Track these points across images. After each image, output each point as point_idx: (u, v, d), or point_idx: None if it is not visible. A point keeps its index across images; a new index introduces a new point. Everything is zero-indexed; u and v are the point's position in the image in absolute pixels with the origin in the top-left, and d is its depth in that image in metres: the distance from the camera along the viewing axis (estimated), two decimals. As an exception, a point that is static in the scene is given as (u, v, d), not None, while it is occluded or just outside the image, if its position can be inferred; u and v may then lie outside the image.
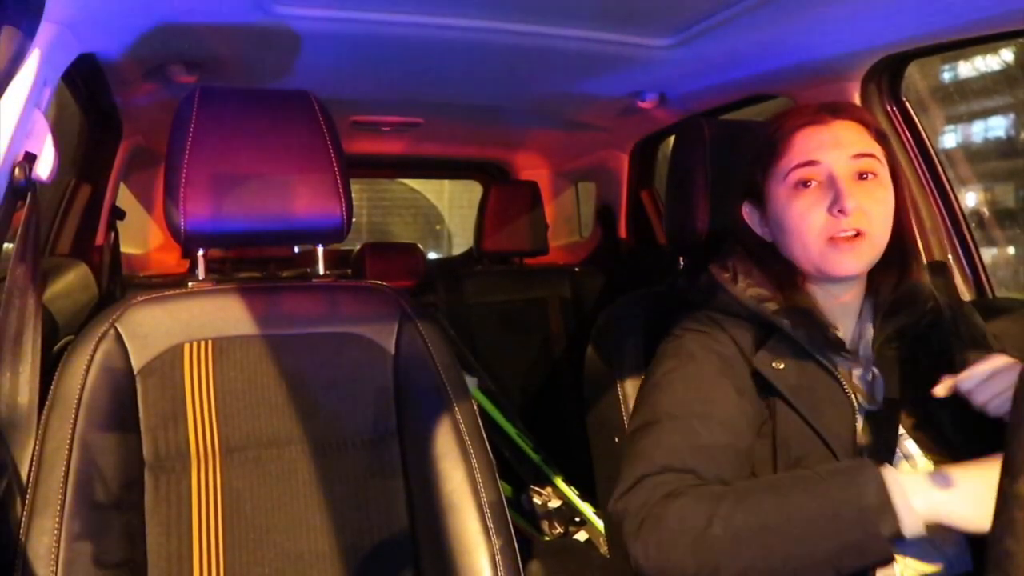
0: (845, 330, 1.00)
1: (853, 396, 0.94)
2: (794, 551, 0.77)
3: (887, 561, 0.78)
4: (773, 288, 0.98)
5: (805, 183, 0.92)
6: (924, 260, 1.39)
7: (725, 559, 0.78)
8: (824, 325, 0.95)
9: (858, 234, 0.91)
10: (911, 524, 0.75)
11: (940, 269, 1.05)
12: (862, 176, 0.92)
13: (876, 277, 1.00)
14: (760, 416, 0.94)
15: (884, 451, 0.93)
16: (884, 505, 0.75)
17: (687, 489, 0.83)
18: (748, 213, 1.02)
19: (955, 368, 0.95)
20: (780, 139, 0.95)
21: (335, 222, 1.08)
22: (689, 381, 0.93)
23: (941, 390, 0.87)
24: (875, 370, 0.98)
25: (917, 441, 0.96)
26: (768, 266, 1.00)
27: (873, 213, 0.92)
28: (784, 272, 0.98)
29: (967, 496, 0.76)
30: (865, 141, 0.94)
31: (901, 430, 0.96)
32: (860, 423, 0.94)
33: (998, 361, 0.86)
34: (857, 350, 0.99)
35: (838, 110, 0.97)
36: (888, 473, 0.78)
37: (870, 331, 1.00)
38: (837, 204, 0.89)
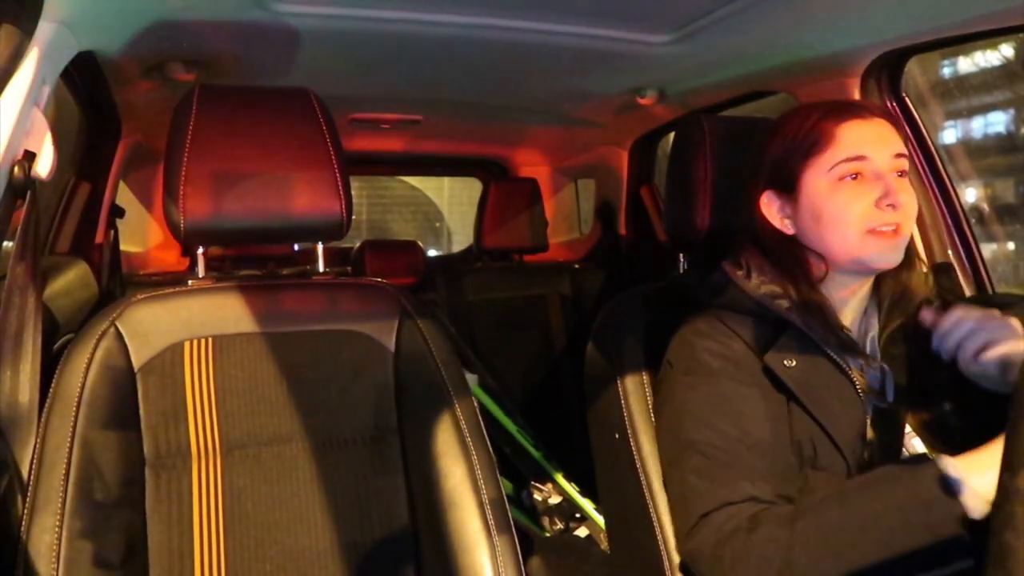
0: (851, 323, 1.01)
1: (863, 394, 0.94)
2: (874, 558, 0.78)
3: (967, 549, 0.78)
4: (785, 284, 0.98)
5: (853, 176, 0.93)
6: (925, 258, 1.40)
7: None
8: (837, 326, 0.95)
9: (896, 228, 0.92)
10: (977, 506, 0.76)
11: (946, 270, 1.06)
12: (900, 174, 0.94)
13: (880, 274, 1.00)
14: (784, 409, 0.94)
15: (891, 449, 0.93)
16: (948, 496, 0.76)
17: (758, 519, 0.84)
18: (767, 204, 1.01)
19: (960, 367, 0.95)
20: (823, 131, 0.95)
21: (335, 219, 1.08)
22: (714, 402, 0.93)
23: (928, 315, 0.91)
24: (884, 367, 0.98)
25: (923, 439, 0.96)
26: (783, 259, 0.99)
27: (910, 211, 0.94)
28: (800, 266, 0.98)
29: None
30: (900, 142, 0.96)
31: (907, 428, 0.96)
32: (869, 422, 0.94)
33: (963, 312, 0.89)
34: (863, 343, 1.00)
35: (874, 108, 0.99)
36: (944, 462, 0.79)
37: (875, 327, 1.01)
38: (888, 199, 0.91)
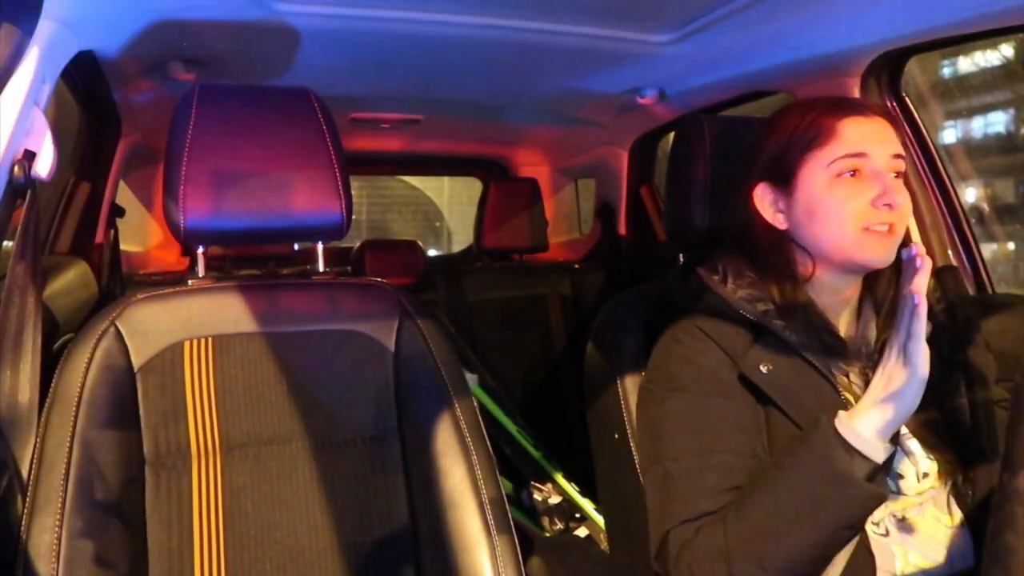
0: (847, 328, 1.00)
1: (847, 397, 0.94)
2: (804, 531, 0.82)
3: (883, 498, 0.83)
4: (767, 286, 0.97)
5: (851, 172, 0.93)
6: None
7: (750, 566, 0.82)
8: (822, 327, 0.95)
9: (890, 228, 0.92)
10: (876, 451, 0.81)
11: (950, 271, 1.05)
12: (896, 175, 0.94)
13: (873, 275, 1.00)
14: (759, 418, 0.94)
15: None
16: (848, 452, 0.81)
17: (702, 524, 0.87)
18: (761, 196, 1.00)
19: (961, 371, 0.95)
20: (824, 126, 0.94)
21: (335, 219, 1.08)
22: (683, 417, 0.94)
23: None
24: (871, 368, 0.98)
25: (919, 439, 0.96)
26: (770, 256, 0.99)
27: (905, 212, 0.93)
28: (787, 264, 0.98)
29: (897, 393, 0.82)
30: (898, 142, 0.96)
31: (904, 429, 0.96)
32: None
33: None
34: (860, 348, 0.99)
35: (874, 106, 0.99)
36: (838, 422, 0.83)
37: (873, 329, 1.00)
38: (885, 198, 0.91)
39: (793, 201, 0.97)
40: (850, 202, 0.92)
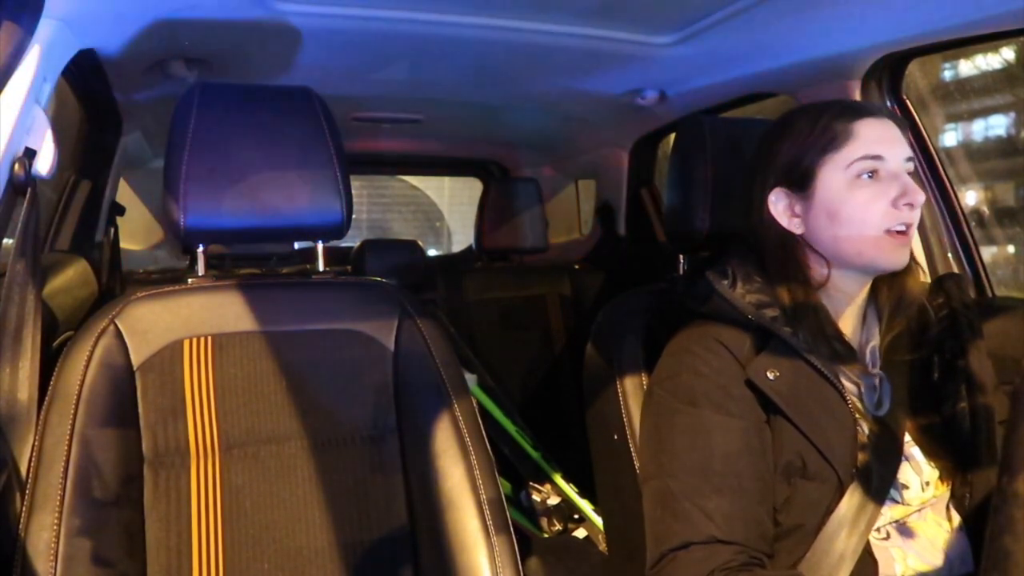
0: (851, 331, 1.00)
1: (853, 405, 0.93)
2: None
3: None
4: (777, 290, 0.97)
5: (870, 174, 0.93)
6: (925, 262, 1.40)
7: None
8: (832, 334, 0.94)
9: (907, 229, 0.93)
10: None
11: (955, 279, 1.05)
12: (908, 176, 0.94)
13: (877, 278, 1.00)
14: (765, 438, 0.93)
15: (889, 457, 0.93)
16: None
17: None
18: (775, 201, 0.99)
19: (962, 377, 0.95)
20: (841, 128, 0.94)
21: (335, 218, 1.08)
22: (689, 433, 0.93)
23: None
24: (882, 373, 0.98)
25: (921, 447, 0.96)
26: (783, 261, 0.98)
27: (918, 212, 0.94)
28: (800, 269, 0.97)
29: None
30: (907, 145, 0.96)
31: (907, 436, 0.96)
32: (864, 431, 0.93)
33: None
34: (864, 352, 0.99)
35: (884, 109, 0.99)
36: None
37: (876, 336, 1.00)
38: (906, 197, 0.91)
39: (811, 205, 0.97)
40: (873, 204, 0.92)
